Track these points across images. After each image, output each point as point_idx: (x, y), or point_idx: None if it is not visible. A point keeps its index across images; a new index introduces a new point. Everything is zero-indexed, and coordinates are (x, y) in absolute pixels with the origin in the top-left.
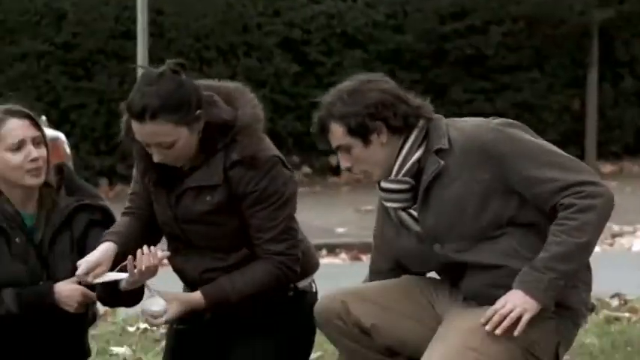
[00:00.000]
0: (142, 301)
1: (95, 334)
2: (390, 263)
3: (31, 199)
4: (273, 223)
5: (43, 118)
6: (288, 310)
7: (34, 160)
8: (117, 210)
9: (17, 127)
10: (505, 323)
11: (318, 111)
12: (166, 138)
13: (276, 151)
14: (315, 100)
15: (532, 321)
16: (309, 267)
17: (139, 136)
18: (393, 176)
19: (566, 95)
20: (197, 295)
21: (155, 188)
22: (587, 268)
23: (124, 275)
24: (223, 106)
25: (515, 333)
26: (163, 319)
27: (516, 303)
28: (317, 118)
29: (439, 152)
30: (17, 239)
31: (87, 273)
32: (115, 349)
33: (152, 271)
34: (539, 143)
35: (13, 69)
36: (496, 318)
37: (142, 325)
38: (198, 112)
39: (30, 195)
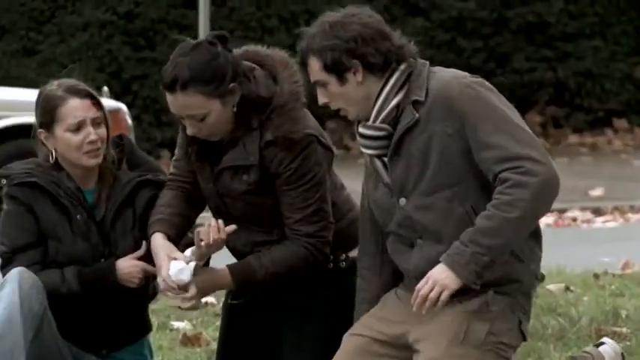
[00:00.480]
0: (170, 268)
1: (156, 309)
2: (372, 222)
3: (92, 176)
4: (304, 203)
5: (105, 89)
6: (340, 280)
7: (93, 142)
8: None
9: (78, 108)
10: (427, 305)
11: (300, 41)
12: (197, 110)
13: (312, 129)
14: None
15: (493, 322)
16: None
17: (172, 108)
18: (370, 121)
19: (629, 63)
20: (224, 272)
21: (198, 162)
22: (537, 241)
23: (190, 258)
24: (262, 80)
25: (436, 309)
26: (189, 294)
27: (437, 279)
28: (299, 48)
29: (415, 104)
30: (79, 216)
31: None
32: (176, 324)
33: (218, 244)
34: (502, 110)
35: (75, 39)
36: (419, 300)
37: (203, 300)
38: (232, 85)
39: (90, 172)
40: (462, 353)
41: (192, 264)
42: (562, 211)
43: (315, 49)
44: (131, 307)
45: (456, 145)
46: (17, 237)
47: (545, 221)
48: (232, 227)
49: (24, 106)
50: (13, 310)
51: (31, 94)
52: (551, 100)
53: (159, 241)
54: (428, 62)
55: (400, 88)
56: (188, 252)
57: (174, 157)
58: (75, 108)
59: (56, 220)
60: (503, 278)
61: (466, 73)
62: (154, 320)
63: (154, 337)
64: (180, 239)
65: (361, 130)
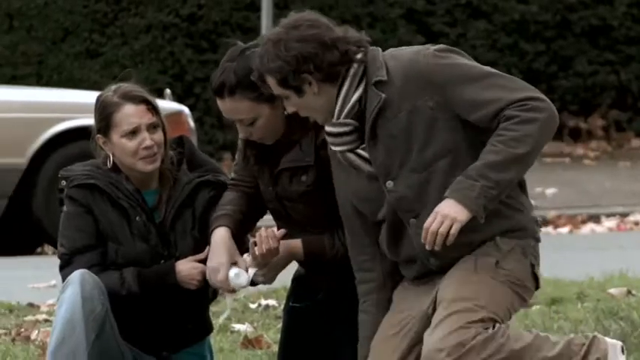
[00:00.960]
0: (230, 271)
1: (216, 310)
2: (357, 215)
3: (152, 178)
4: None
5: (168, 91)
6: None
7: (148, 147)
8: None
9: (132, 114)
10: (438, 240)
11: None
12: (246, 115)
13: None
14: None
15: (503, 257)
16: None
17: (223, 112)
18: (335, 119)
19: None
20: (297, 242)
21: (257, 165)
22: (523, 191)
23: (250, 264)
24: None
25: (447, 243)
26: (260, 279)
27: (445, 213)
28: (253, 67)
29: (378, 85)
30: (137, 218)
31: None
32: (237, 326)
33: (273, 252)
34: (478, 66)
35: (138, 41)
36: (429, 238)
37: (264, 302)
38: None
39: (150, 175)
40: (477, 279)
41: (252, 271)
42: (624, 215)
43: (265, 70)
44: (191, 309)
45: (441, 116)
46: (76, 239)
47: (608, 225)
48: (282, 232)
49: (87, 108)
50: (75, 311)
51: (94, 97)
52: (614, 104)
53: (222, 235)
54: (380, 48)
55: (359, 83)
56: (247, 257)
57: (234, 162)
58: (129, 114)
59: (115, 222)
60: (509, 229)
61: (427, 45)
62: (215, 322)
63: (214, 339)
64: (243, 236)
65: (328, 128)
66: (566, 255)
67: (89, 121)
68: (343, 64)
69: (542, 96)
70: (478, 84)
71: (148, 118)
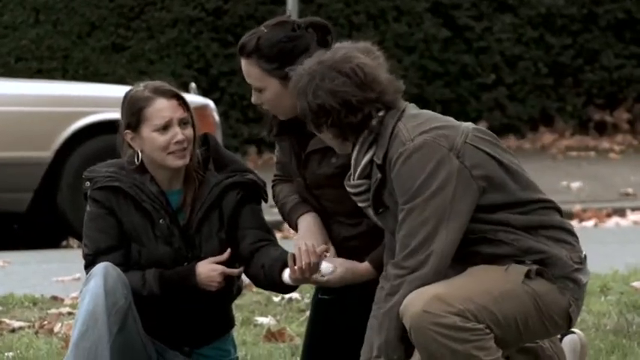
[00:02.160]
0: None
1: (240, 304)
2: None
3: (178, 177)
4: None
5: (193, 85)
6: None
7: (179, 142)
8: (266, 179)
9: (164, 108)
10: None
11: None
12: (255, 82)
13: None
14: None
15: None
16: None
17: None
18: (352, 178)
19: None
20: (364, 265)
21: (279, 136)
22: (565, 231)
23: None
24: None
25: None
26: (325, 278)
27: None
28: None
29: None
30: (161, 220)
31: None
32: (260, 319)
33: (313, 268)
34: (417, 186)
35: (164, 35)
36: None
37: (287, 296)
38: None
39: (176, 173)
40: (504, 276)
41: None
42: None
43: (296, 94)
44: (214, 306)
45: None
46: (99, 240)
47: (633, 218)
48: (323, 248)
49: (112, 102)
50: (97, 303)
51: (119, 90)
52: None
53: (315, 221)
54: (401, 110)
55: (368, 148)
56: (286, 273)
57: (276, 160)
58: (161, 108)
59: (138, 223)
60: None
61: (419, 125)
62: (238, 315)
63: (237, 332)
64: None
65: (347, 189)
66: (591, 248)
67: (114, 114)
68: (360, 128)
69: (412, 263)
70: (405, 212)
71: (180, 113)
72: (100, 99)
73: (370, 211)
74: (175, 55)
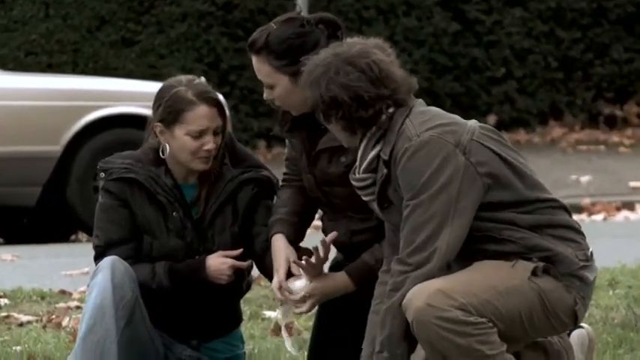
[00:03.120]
0: (289, 281)
1: (248, 298)
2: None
3: (194, 173)
4: None
5: (203, 79)
6: None
7: (209, 150)
8: (276, 173)
9: (205, 116)
10: None
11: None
12: (265, 78)
13: None
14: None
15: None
16: None
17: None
18: (357, 172)
19: None
20: (343, 276)
21: (290, 132)
22: (570, 230)
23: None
24: None
25: None
26: (301, 294)
27: None
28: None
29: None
30: (174, 213)
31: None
32: (268, 313)
33: (320, 262)
34: (423, 182)
35: (174, 29)
36: None
37: None
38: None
39: (193, 171)
40: (510, 272)
41: (305, 281)
42: None
43: (304, 85)
44: (223, 301)
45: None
46: (110, 231)
47: None
48: (333, 234)
49: (122, 96)
50: (105, 297)
51: (129, 85)
52: None
53: (280, 244)
54: (410, 108)
55: (376, 143)
56: (291, 281)
57: (285, 157)
58: (202, 116)
59: (152, 216)
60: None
61: (425, 122)
62: (246, 309)
63: (245, 327)
64: (301, 237)
65: (352, 182)
66: (599, 242)
67: (124, 108)
68: (370, 124)
69: (416, 257)
70: (410, 208)
71: (217, 123)
72: (110, 93)
73: (375, 206)
74: (185, 49)
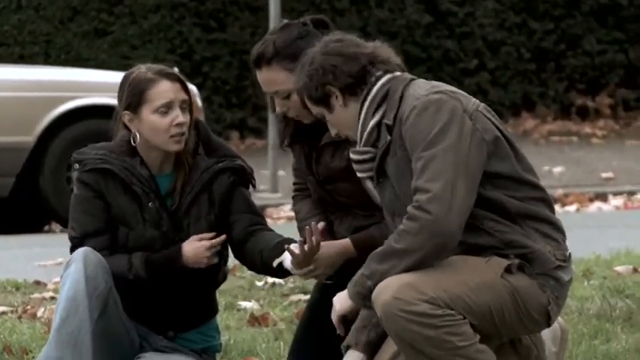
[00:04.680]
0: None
1: (223, 288)
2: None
3: (168, 161)
4: None
5: (176, 69)
6: None
7: (180, 124)
8: (249, 163)
9: (168, 89)
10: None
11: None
12: (281, 86)
13: None
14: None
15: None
16: None
17: (261, 85)
18: (358, 145)
19: None
20: (345, 241)
21: (292, 146)
22: (554, 228)
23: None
24: None
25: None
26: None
27: (336, 300)
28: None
29: (388, 126)
30: (150, 204)
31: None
32: (243, 304)
33: (314, 249)
34: (436, 134)
35: (147, 20)
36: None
37: (270, 280)
38: None
39: (167, 158)
40: (483, 268)
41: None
42: (631, 194)
43: (299, 89)
44: (199, 292)
45: (408, 167)
46: (86, 223)
47: (615, 203)
48: (322, 224)
49: (95, 87)
50: (78, 289)
51: (102, 76)
52: (622, 83)
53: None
54: (409, 78)
55: (377, 107)
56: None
57: (292, 167)
58: (165, 90)
59: (127, 207)
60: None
61: (433, 87)
62: (222, 300)
63: (221, 317)
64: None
65: (351, 155)
66: (573, 233)
67: (97, 99)
68: (363, 77)
69: (443, 193)
70: (422, 151)
71: (182, 96)
72: (83, 84)
73: (369, 183)
74: (158, 40)
